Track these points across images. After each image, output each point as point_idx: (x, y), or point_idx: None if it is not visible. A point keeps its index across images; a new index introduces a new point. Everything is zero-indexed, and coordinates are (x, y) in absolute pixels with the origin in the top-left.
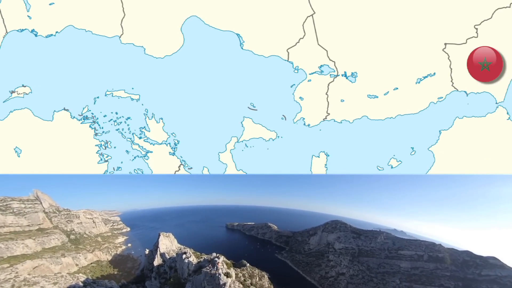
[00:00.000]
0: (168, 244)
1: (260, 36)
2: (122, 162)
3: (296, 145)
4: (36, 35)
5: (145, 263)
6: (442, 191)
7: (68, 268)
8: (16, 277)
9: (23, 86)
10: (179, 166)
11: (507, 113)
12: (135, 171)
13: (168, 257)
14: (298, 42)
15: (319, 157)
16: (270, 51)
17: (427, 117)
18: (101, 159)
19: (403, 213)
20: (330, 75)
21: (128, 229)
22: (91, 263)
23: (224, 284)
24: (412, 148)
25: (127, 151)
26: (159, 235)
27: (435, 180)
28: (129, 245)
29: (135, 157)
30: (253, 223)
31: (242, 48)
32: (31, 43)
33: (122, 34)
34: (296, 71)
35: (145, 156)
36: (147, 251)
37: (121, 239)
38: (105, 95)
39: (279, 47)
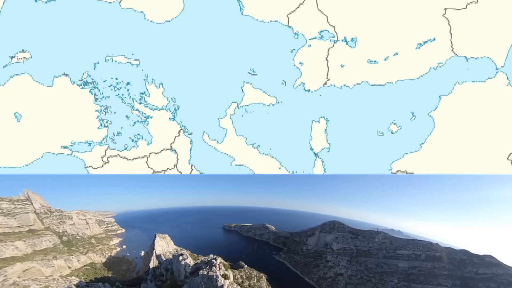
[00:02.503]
0: (164, 246)
1: (260, 1)
2: (122, 128)
3: (296, 110)
4: (36, 1)
5: (140, 265)
6: (438, 191)
7: (60, 270)
8: (5, 281)
9: (23, 51)
10: (179, 131)
11: (507, 78)
12: (135, 137)
13: (164, 259)
14: (298, 7)
15: (319, 122)
16: (270, 16)
17: (427, 83)
18: (101, 125)
19: (400, 213)
20: (330, 40)
21: (123, 230)
22: (85, 266)
23: (222, 286)
24: (412, 113)
25: (127, 116)
26: (155, 237)
27: (431, 180)
28: (124, 246)
29: (135, 123)
30: (250, 224)
31: (242, 13)
32: (31, 8)
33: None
34: (296, 36)
35: (145, 121)
36: (142, 253)
37: (115, 240)
38: (105, 61)
39: (279, 12)
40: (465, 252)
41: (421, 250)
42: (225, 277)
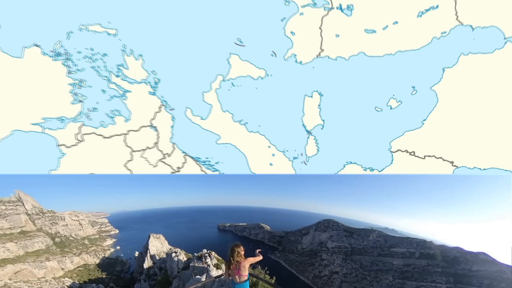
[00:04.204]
0: (158, 246)
1: None
2: (97, 103)
3: (287, 84)
4: None
5: (135, 265)
6: (432, 189)
7: (53, 272)
8: None
9: None
10: (160, 107)
11: None
12: (112, 112)
13: (158, 258)
14: None
15: (312, 97)
16: None
17: (429, 54)
18: (75, 100)
19: (394, 212)
20: (324, 8)
21: (117, 231)
22: (78, 267)
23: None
24: (413, 87)
25: (103, 91)
26: (149, 237)
27: (425, 179)
28: (118, 247)
29: (112, 97)
30: (245, 223)
31: None
32: None
33: None
34: (287, 3)
35: (123, 96)
36: (136, 254)
37: (109, 241)
38: (79, 30)
39: None
40: (458, 250)
41: (415, 248)
42: (218, 267)
